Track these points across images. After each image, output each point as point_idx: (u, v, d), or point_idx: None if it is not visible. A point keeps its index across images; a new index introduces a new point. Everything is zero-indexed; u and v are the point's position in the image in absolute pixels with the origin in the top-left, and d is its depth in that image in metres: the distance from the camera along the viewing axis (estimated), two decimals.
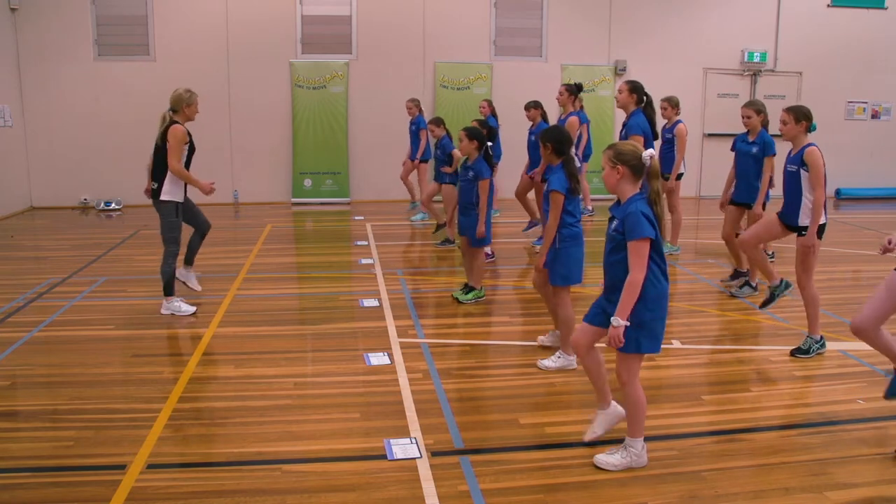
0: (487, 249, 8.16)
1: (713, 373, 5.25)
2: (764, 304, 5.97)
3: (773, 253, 8.50)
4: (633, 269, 3.52)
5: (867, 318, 4.01)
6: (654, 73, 13.47)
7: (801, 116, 5.36)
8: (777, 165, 6.56)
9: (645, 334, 3.60)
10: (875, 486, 3.58)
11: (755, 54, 14.10)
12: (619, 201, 3.73)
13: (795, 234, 5.42)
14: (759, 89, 14.34)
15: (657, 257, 3.59)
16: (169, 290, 6.36)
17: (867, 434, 4.14)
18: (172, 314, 6.32)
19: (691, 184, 14.02)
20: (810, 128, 5.38)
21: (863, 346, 5.23)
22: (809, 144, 5.31)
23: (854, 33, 14.26)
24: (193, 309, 6.40)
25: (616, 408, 4.01)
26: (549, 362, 5.14)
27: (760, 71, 14.32)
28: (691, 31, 13.94)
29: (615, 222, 3.68)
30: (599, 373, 3.99)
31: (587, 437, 4.01)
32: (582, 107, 11.37)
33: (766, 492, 3.52)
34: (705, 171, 13.94)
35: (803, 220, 5.34)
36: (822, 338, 5.46)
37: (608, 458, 3.77)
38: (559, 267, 5.07)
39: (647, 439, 4.00)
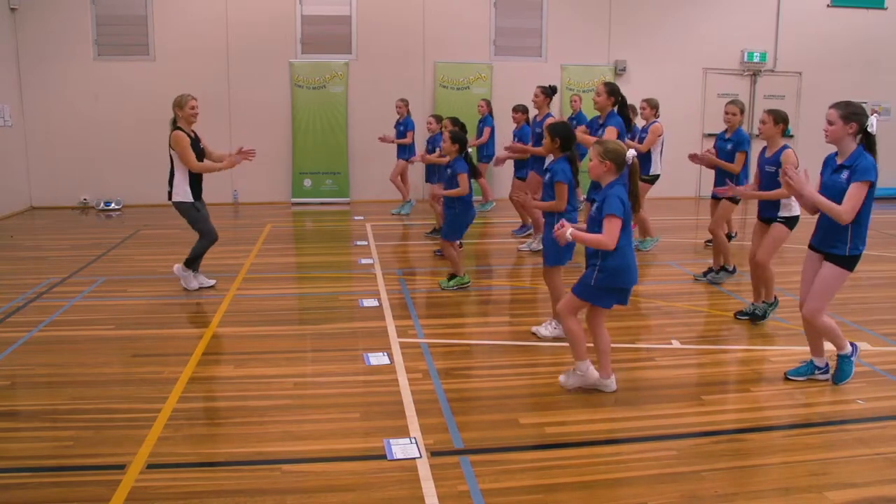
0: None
1: (713, 373, 5.25)
2: (741, 314, 6.37)
3: (735, 233, 8.89)
4: (605, 234, 4.26)
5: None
6: (653, 74, 13.50)
7: (779, 119, 5.86)
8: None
9: (592, 291, 4.44)
10: (875, 486, 3.58)
11: (755, 54, 14.10)
12: (598, 186, 4.51)
13: (772, 224, 5.90)
14: (758, 89, 14.35)
15: (625, 236, 4.33)
16: (189, 263, 6.84)
17: (867, 434, 4.14)
18: (180, 280, 6.81)
19: (690, 184, 14.03)
20: (786, 132, 5.91)
21: (862, 346, 5.27)
22: (785, 147, 5.81)
23: (854, 33, 14.26)
24: (197, 285, 6.83)
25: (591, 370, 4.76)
26: (544, 330, 5.59)
27: (760, 71, 14.32)
28: (691, 32, 13.94)
29: (595, 205, 4.37)
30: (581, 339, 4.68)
31: (561, 378, 4.81)
32: (580, 108, 11.43)
33: (765, 492, 3.53)
34: (704, 171, 13.90)
35: (782, 212, 5.85)
36: (775, 298, 6.16)
37: (563, 378, 4.68)
38: (550, 250, 5.52)
39: (647, 439, 4.04)
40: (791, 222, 5.87)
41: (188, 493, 3.47)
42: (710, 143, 13.73)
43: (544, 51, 13.70)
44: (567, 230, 4.33)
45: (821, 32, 14.19)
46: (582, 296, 4.49)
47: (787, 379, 4.90)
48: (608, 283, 4.41)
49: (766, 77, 14.40)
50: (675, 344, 5.69)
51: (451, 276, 6.99)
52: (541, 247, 7.01)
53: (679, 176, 13.02)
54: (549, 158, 5.73)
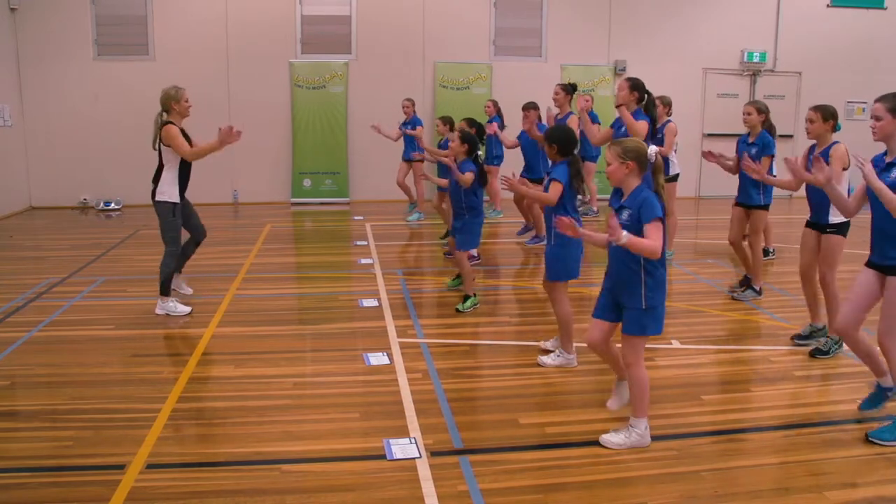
0: (473, 252, 8.05)
1: (712, 373, 5.25)
2: (801, 338, 5.75)
3: (773, 250, 8.51)
4: (653, 241, 3.72)
5: (847, 317, 4.25)
6: (653, 74, 13.38)
7: (828, 115, 5.39)
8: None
9: (650, 317, 3.86)
10: (875, 486, 3.58)
11: (755, 54, 14.11)
12: (621, 194, 3.95)
13: (824, 235, 5.44)
14: (758, 89, 14.34)
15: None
16: (165, 290, 6.36)
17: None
18: (167, 314, 6.31)
19: (690, 184, 14.02)
20: (836, 127, 5.41)
21: None
22: (835, 142, 5.37)
23: (854, 33, 14.26)
24: (189, 309, 6.39)
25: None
26: (549, 360, 5.17)
27: (760, 71, 14.32)
28: (691, 32, 13.94)
29: (625, 212, 3.86)
30: (617, 360, 4.24)
31: (609, 405, 4.33)
32: (591, 107, 11.42)
33: (765, 492, 3.52)
34: (704, 171, 13.93)
35: (833, 218, 5.34)
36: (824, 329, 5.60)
37: (612, 438, 3.95)
38: (555, 263, 5.10)
39: None
40: (842, 229, 5.36)
41: (188, 493, 3.47)
42: (709, 144, 13.87)
43: (544, 51, 13.70)
44: (622, 233, 3.67)
45: (820, 32, 14.19)
46: (641, 330, 3.89)
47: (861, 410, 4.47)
48: (658, 299, 3.86)
49: (766, 77, 14.40)
50: (675, 344, 5.68)
51: (465, 298, 6.56)
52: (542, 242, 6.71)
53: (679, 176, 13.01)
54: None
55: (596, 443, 3.96)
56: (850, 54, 14.23)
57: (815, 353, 5.39)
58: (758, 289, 6.88)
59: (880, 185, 3.83)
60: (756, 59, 14.12)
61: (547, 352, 5.36)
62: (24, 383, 4.92)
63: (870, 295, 4.19)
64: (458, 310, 6.48)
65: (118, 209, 12.47)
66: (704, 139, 14.10)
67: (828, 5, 14.29)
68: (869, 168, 3.84)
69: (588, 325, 4.33)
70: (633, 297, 3.86)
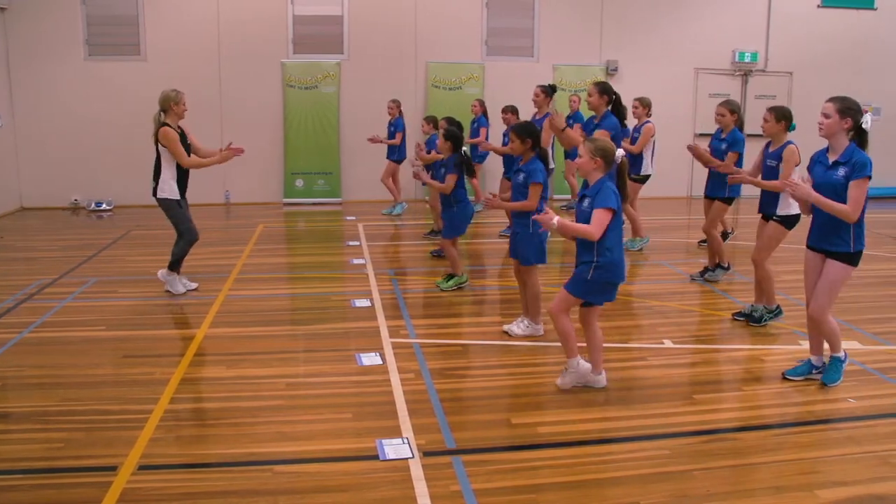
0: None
1: (704, 372, 5.27)
2: (739, 315, 6.27)
3: (731, 231, 8.99)
4: (592, 225, 4.31)
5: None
6: (645, 74, 13.53)
7: (780, 116, 5.88)
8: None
9: (592, 290, 4.50)
10: (866, 485, 3.60)
11: (746, 54, 14.14)
12: (586, 183, 4.55)
13: (769, 222, 5.95)
14: (750, 89, 14.39)
15: (616, 229, 4.41)
16: (174, 267, 6.79)
17: (857, 432, 4.16)
18: (165, 285, 6.76)
19: (682, 184, 14.07)
20: (790, 127, 5.90)
21: (853, 344, 5.30)
22: (789, 143, 5.84)
23: (844, 34, 14.31)
24: (184, 289, 6.80)
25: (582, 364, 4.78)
26: (516, 328, 5.68)
27: (751, 71, 14.36)
28: (683, 32, 13.97)
29: (586, 200, 4.46)
30: (578, 339, 4.77)
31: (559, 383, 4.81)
32: (578, 108, 11.48)
33: (756, 490, 3.54)
34: (696, 171, 13.96)
35: (780, 210, 5.84)
36: (777, 307, 6.11)
37: (561, 380, 4.69)
38: (533, 250, 5.63)
39: (638, 439, 4.05)
40: (788, 221, 5.85)
41: (180, 494, 3.47)
42: (702, 144, 13.86)
43: (536, 51, 13.71)
44: (553, 217, 4.36)
45: (811, 32, 14.24)
46: (577, 293, 4.54)
47: (785, 378, 4.91)
48: (604, 277, 4.46)
49: (758, 77, 14.44)
50: (668, 343, 5.70)
51: (450, 277, 6.93)
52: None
53: (671, 176, 13.06)
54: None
55: (588, 442, 3.99)
56: (841, 54, 14.29)
57: (736, 316, 6.17)
58: (726, 265, 7.37)
59: (819, 199, 4.36)
60: (747, 60, 14.16)
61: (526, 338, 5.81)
62: (15, 385, 4.90)
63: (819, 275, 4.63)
64: (437, 284, 6.82)
65: (109, 210, 12.42)
66: (696, 139, 14.13)
67: (818, 6, 14.34)
68: (801, 191, 4.38)
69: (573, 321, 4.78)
70: (581, 270, 4.51)
